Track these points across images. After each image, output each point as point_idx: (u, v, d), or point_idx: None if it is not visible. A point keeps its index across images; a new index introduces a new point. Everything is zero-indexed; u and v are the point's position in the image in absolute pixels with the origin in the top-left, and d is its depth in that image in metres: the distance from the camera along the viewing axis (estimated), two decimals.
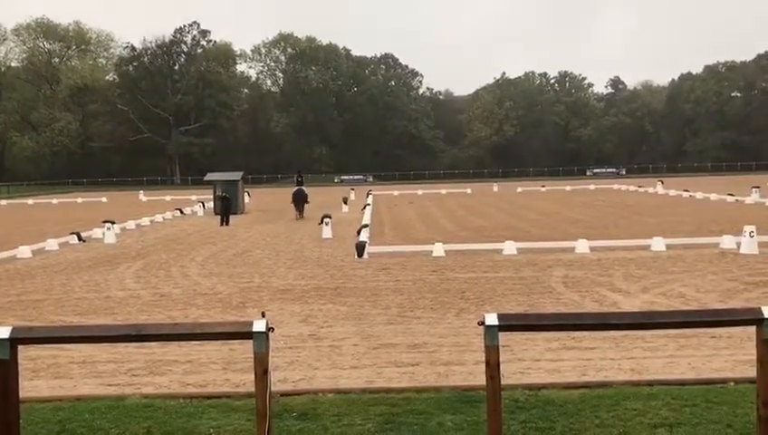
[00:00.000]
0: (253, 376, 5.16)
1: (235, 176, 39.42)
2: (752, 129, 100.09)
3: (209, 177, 40.43)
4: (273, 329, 5.54)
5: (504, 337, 5.26)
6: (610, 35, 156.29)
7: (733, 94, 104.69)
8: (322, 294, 13.88)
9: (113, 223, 26.47)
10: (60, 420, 6.61)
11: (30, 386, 7.86)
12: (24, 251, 21.44)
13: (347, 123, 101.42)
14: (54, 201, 58.93)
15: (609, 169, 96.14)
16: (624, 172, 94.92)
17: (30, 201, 59.93)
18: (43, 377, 8.51)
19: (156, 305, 13.11)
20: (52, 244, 23.45)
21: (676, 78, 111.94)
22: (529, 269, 16.29)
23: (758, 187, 40.48)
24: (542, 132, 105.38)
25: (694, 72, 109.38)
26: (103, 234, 25.70)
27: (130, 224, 31.08)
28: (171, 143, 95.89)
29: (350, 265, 17.79)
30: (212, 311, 12.48)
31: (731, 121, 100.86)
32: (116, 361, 9.08)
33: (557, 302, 12.48)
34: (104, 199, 58.95)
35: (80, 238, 25.50)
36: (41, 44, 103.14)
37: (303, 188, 34.12)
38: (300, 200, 33.41)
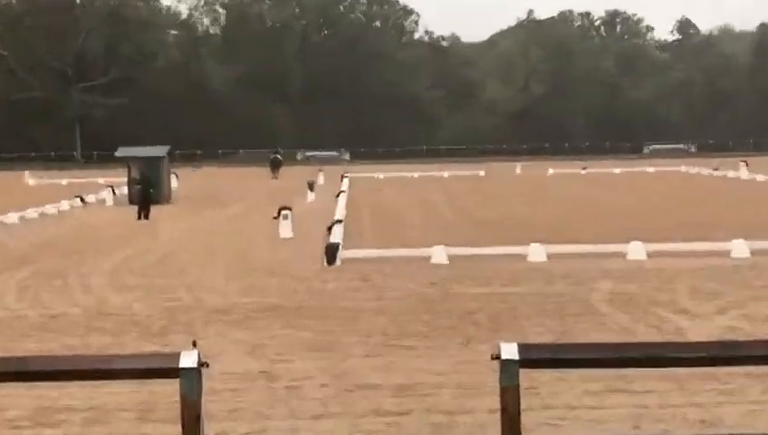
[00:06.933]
0: (180, 429, 5.16)
1: (159, 152, 39.34)
2: None
3: (122, 152, 40.38)
4: (208, 364, 5.54)
5: (526, 375, 5.29)
6: None
7: None
8: (278, 315, 13.85)
9: None
10: None
11: None
12: None
13: (313, 78, 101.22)
14: None
15: (673, 146, 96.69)
16: (694, 150, 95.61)
17: None
18: None
19: (47, 330, 13.02)
20: None
21: (767, 21, 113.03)
22: (562, 282, 16.38)
23: None
24: (582, 94, 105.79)
25: None
26: None
27: (12, 217, 30.85)
28: (69, 104, 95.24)
29: (316, 276, 17.78)
30: (124, 338, 12.42)
31: None
32: None
33: (600, 328, 12.55)
34: None
35: None
36: None
37: (279, 156, 60.61)
38: (276, 165, 58.61)
